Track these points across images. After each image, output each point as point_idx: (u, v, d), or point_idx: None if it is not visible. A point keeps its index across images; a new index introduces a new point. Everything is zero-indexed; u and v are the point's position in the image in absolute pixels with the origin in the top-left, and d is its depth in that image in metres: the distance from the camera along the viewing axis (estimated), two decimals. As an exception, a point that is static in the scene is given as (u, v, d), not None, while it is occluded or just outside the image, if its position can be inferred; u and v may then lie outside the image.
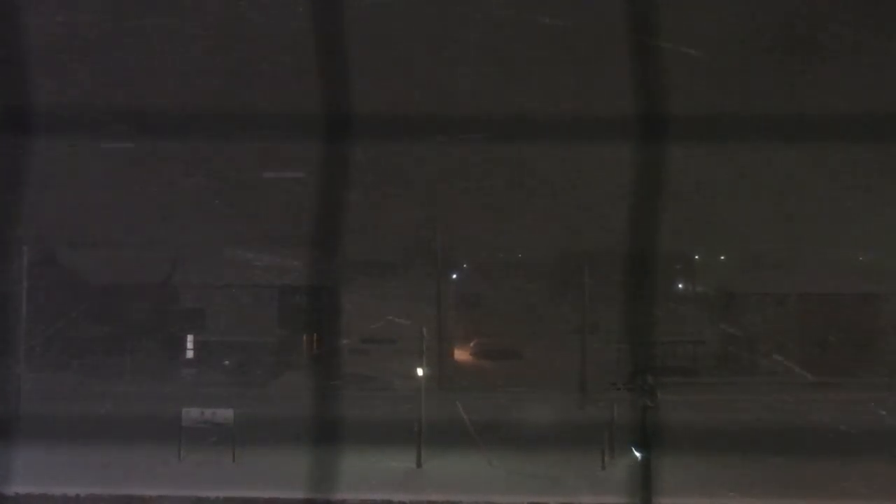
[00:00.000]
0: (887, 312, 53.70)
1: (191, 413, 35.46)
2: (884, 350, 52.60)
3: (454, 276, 64.47)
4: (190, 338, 53.70)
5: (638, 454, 24.09)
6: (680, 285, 72.99)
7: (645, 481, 23.90)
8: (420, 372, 38.41)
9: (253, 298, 54.22)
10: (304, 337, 54.98)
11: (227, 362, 51.53)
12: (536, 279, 67.79)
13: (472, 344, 61.53)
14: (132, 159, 54.15)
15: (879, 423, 39.80)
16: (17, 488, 30.18)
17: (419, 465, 33.78)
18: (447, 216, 56.58)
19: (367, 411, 40.42)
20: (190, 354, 53.54)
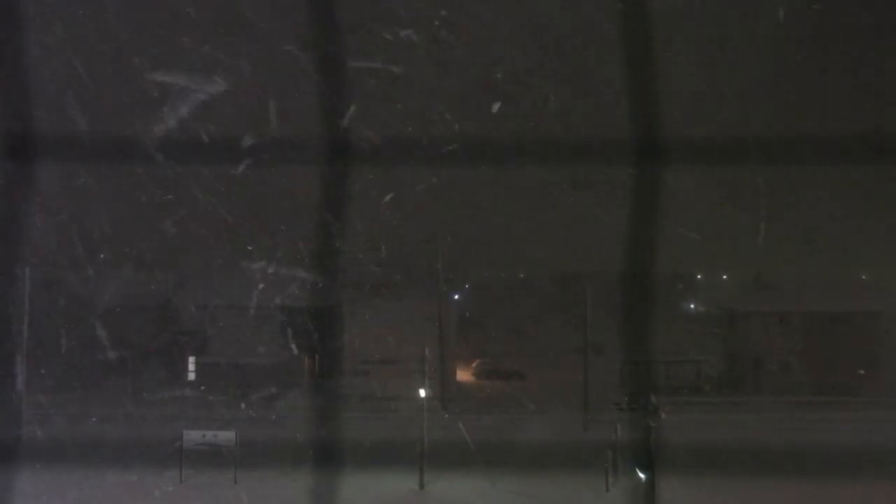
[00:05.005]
0: (891, 330, 53.59)
1: (192, 435, 35.34)
2: (888, 368, 52.47)
3: (456, 296, 64.47)
4: (191, 359, 53.64)
5: (642, 475, 23.98)
6: (682, 304, 72.90)
7: (649, 502, 23.78)
8: (422, 393, 38.32)
9: (254, 320, 54.19)
10: (306, 358, 54.90)
11: (228, 384, 51.44)
12: (538, 299, 67.82)
13: (474, 364, 61.42)
14: (134, 182, 54.30)
15: (883, 442, 39.61)
16: (17, 512, 30.06)
17: (422, 486, 33.62)
18: (449, 236, 56.66)
19: (369, 432, 40.30)
20: (191, 376, 53.45)
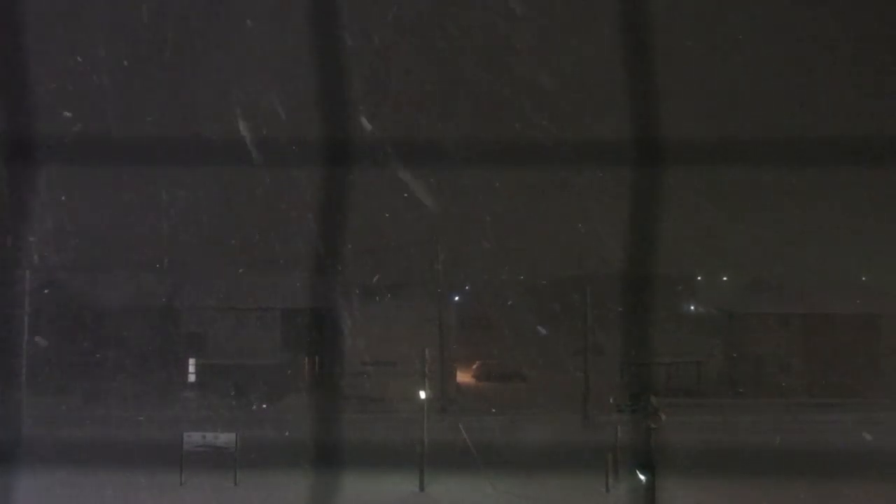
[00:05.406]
0: (891, 332, 53.60)
1: (192, 437, 35.32)
2: (888, 369, 52.49)
3: (456, 298, 64.46)
4: (192, 361, 53.62)
5: (642, 476, 23.95)
6: (683, 306, 72.98)
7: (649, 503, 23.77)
8: (422, 394, 38.30)
9: (255, 321, 54.20)
10: (306, 360, 54.90)
11: (229, 385, 51.42)
12: (539, 300, 67.83)
13: (474, 366, 61.40)
14: (134, 183, 54.32)
15: (883, 443, 39.62)
16: (18, 514, 30.05)
17: (422, 488, 33.60)
18: (449, 238, 56.66)
19: (369, 434, 40.30)
20: (192, 378, 53.43)
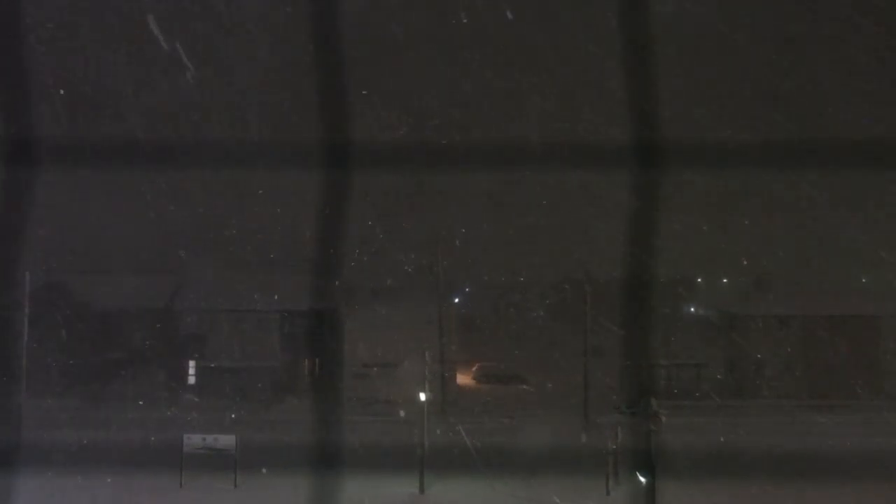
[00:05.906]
0: (891, 333, 53.53)
1: (192, 439, 35.27)
2: (888, 371, 52.43)
3: (456, 299, 64.40)
4: (192, 363, 53.57)
5: (642, 479, 23.91)
6: (683, 308, 72.85)
7: (650, 506, 23.72)
8: (422, 396, 38.26)
9: (254, 323, 54.16)
10: (306, 362, 54.85)
11: (228, 387, 51.39)
12: (539, 302, 67.77)
13: (474, 368, 61.32)
14: (134, 185, 54.32)
15: (883, 444, 39.58)
16: (17, 516, 30.01)
17: (422, 490, 33.56)
18: (449, 239, 56.62)
19: (369, 436, 40.24)
20: (192, 380, 53.38)
